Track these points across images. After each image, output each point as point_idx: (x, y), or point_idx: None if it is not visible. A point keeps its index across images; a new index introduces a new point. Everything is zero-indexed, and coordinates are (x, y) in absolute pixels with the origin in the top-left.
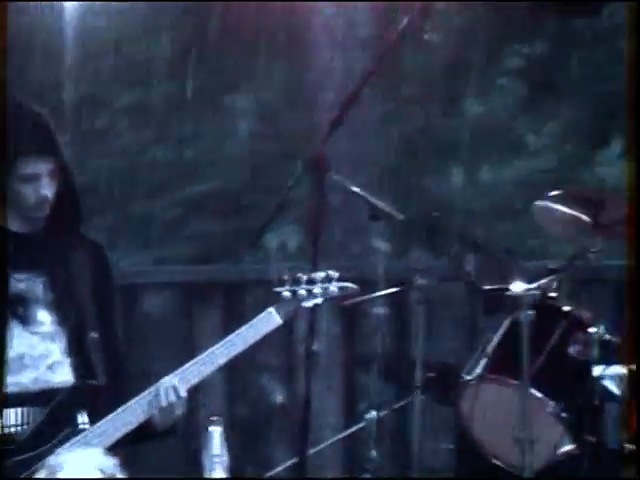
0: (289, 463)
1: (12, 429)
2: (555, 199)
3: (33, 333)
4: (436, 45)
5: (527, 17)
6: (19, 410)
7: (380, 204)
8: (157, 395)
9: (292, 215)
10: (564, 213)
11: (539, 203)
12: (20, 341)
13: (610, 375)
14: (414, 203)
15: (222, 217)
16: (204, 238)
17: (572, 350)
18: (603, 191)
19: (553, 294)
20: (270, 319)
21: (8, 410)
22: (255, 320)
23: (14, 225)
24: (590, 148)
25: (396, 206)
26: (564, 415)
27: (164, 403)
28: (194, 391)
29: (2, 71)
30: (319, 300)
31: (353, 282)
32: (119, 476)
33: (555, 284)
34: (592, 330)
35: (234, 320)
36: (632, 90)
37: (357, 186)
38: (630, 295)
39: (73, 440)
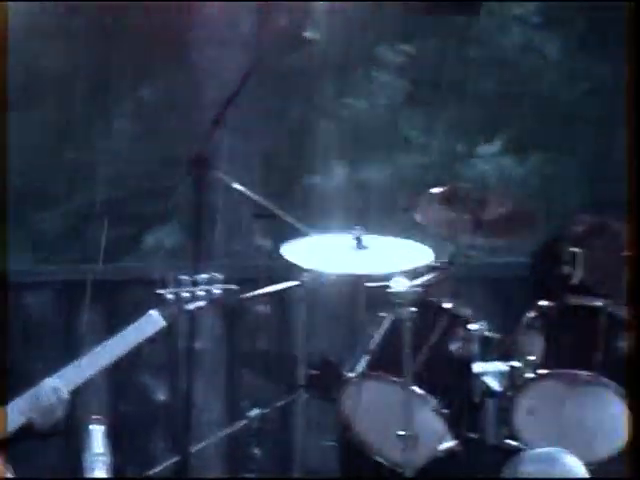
0: (171, 461)
1: None
2: (436, 197)
3: None
4: (318, 43)
5: (408, 15)
6: None
7: (263, 202)
8: (38, 396)
9: (174, 214)
10: (445, 212)
11: (420, 201)
12: None
13: (490, 372)
14: (297, 200)
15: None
16: (90, 243)
17: (453, 347)
18: (484, 189)
19: (434, 291)
20: (153, 321)
21: None
22: (138, 322)
23: None
24: (472, 145)
25: (280, 204)
26: (445, 411)
27: (45, 404)
28: (76, 390)
29: (2, 71)
30: (202, 303)
31: (236, 280)
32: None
33: (436, 282)
34: (472, 327)
35: (116, 319)
36: (632, 90)
37: (240, 184)
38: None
39: None
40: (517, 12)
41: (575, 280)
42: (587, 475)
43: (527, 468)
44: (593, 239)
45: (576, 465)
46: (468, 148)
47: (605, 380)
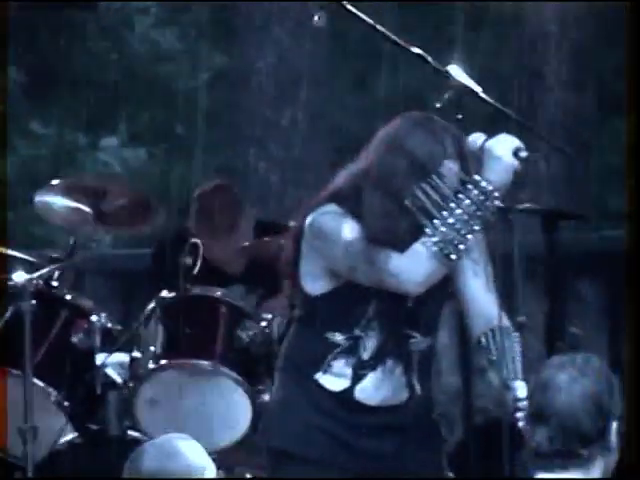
0: None
1: None
2: (55, 190)
3: None
4: None
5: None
6: None
7: None
8: None
9: None
10: (64, 204)
11: (39, 194)
12: None
13: (112, 363)
14: None
15: None
16: None
17: (74, 339)
18: (105, 179)
19: (55, 283)
20: None
21: None
22: None
23: None
24: (94, 136)
25: None
26: (66, 404)
27: None
28: None
29: (2, 72)
30: None
31: None
32: None
33: (57, 273)
34: (94, 319)
35: None
36: (632, 90)
37: None
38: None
39: None
40: (139, 5)
41: (196, 271)
42: (210, 463)
43: (146, 462)
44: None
45: (196, 453)
46: (90, 140)
47: (225, 370)
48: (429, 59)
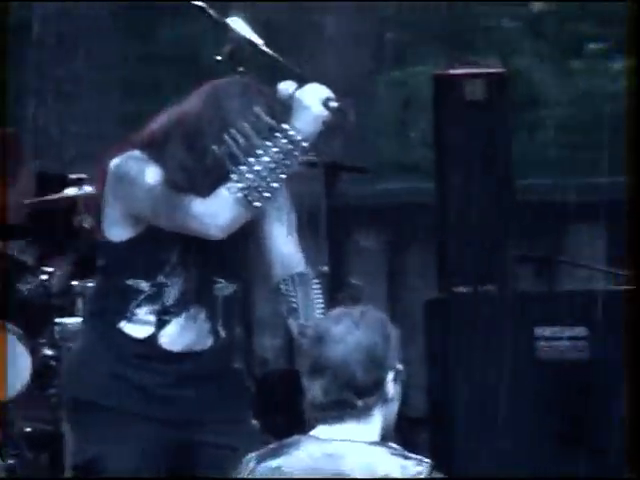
0: None
1: None
2: None
3: None
4: None
5: None
6: None
7: None
8: None
9: None
10: None
11: None
12: None
13: None
14: None
15: None
16: None
17: None
18: None
19: None
20: None
21: None
22: None
23: None
24: None
25: None
26: None
27: None
28: None
29: (2, 71)
30: None
31: None
32: None
33: None
34: None
35: None
36: (632, 90)
37: None
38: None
39: None
40: None
41: None
42: None
43: None
44: None
45: None
46: None
47: (6, 323)
48: (210, 11)
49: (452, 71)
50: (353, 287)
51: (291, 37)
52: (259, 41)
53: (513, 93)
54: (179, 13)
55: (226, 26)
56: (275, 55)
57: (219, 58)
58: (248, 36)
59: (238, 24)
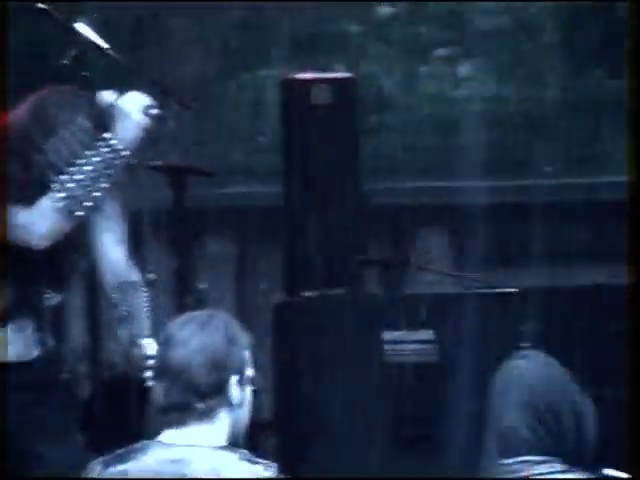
0: None
1: None
2: None
3: None
4: None
5: None
6: None
7: None
8: None
9: None
10: None
11: None
12: None
13: None
14: None
15: None
16: None
17: None
18: None
19: None
20: None
21: None
22: None
23: None
24: None
25: None
26: None
27: None
28: None
29: (2, 73)
30: None
31: None
32: None
33: None
34: None
35: None
36: (632, 90)
37: None
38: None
39: None
40: None
41: None
42: None
43: None
44: None
45: None
46: None
47: None
48: (55, 14)
49: (299, 76)
50: (199, 291)
51: (137, 40)
52: (105, 45)
53: (360, 97)
54: (26, 15)
55: (71, 30)
56: (121, 59)
57: (65, 62)
58: (94, 40)
59: (83, 28)
